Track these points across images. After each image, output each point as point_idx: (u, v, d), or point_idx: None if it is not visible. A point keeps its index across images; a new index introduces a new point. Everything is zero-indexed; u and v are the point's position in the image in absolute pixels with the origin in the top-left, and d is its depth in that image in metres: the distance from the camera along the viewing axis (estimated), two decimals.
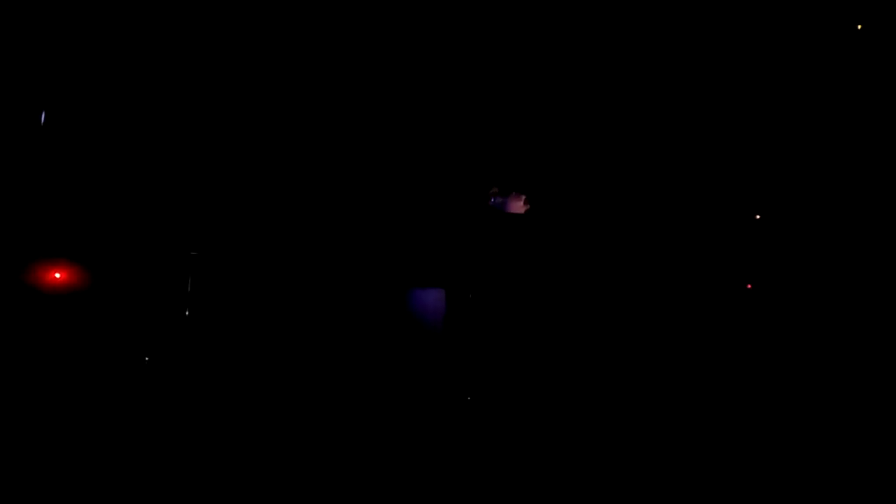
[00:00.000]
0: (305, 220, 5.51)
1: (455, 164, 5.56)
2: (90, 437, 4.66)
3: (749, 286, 5.62)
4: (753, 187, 5.67)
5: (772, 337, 5.46)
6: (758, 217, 5.66)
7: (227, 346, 5.35)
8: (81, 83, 5.45)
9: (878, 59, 5.50)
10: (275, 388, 5.17)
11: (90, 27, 5.43)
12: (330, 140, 5.60)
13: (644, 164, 5.66)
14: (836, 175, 5.57)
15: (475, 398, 5.04)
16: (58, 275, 5.28)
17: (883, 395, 5.03)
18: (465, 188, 5.42)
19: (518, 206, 5.32)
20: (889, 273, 5.38)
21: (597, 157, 5.66)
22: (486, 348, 5.17)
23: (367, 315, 5.40)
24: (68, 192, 5.41)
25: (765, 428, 4.88)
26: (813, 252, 5.55)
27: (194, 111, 5.53)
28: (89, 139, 5.47)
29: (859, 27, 5.55)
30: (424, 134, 5.62)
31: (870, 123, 5.51)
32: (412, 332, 5.30)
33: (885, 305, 5.33)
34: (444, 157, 5.58)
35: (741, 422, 4.95)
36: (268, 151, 5.57)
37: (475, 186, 5.38)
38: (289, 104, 5.58)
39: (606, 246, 5.53)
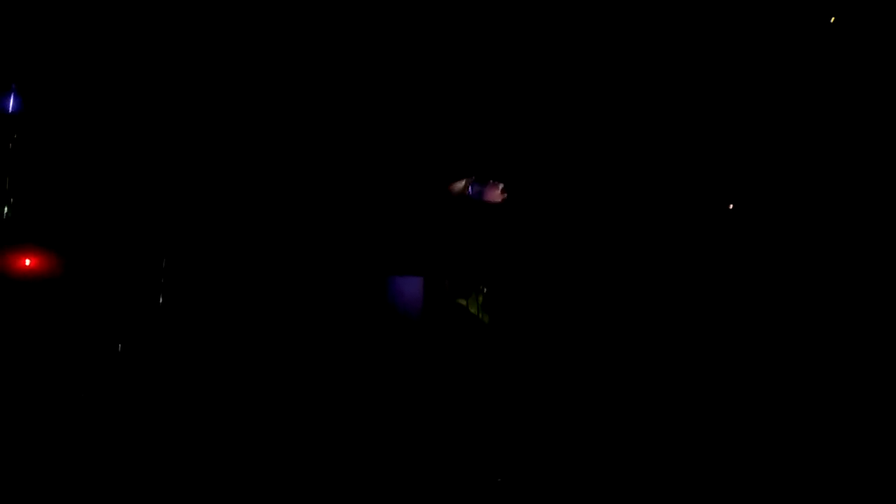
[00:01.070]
0: (282, 207, 5.48)
1: (432, 152, 5.55)
2: (62, 425, 4.61)
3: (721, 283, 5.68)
4: (727, 177, 5.72)
5: (744, 330, 5.52)
6: (731, 206, 5.72)
7: (201, 335, 5.30)
8: (53, 74, 5.38)
9: (854, 56, 5.58)
10: (250, 376, 5.14)
11: (65, 22, 5.36)
12: (306, 129, 5.56)
13: (620, 152, 5.68)
14: (813, 170, 5.64)
15: (455, 387, 5.05)
16: (28, 261, 5.20)
17: (858, 389, 5.11)
18: (443, 177, 5.42)
19: (495, 194, 5.33)
20: (865, 269, 5.46)
21: (573, 146, 5.67)
22: (465, 336, 5.18)
23: (345, 303, 5.38)
24: (39, 178, 5.33)
25: (744, 422, 4.94)
26: (788, 246, 5.62)
27: (168, 100, 5.47)
28: (62, 127, 5.39)
29: (832, 19, 5.61)
30: (401, 123, 5.60)
31: (847, 120, 5.59)
32: (390, 319, 5.30)
33: (863, 300, 5.41)
34: (421, 146, 5.57)
35: (717, 412, 5.01)
36: (243, 141, 5.52)
37: (453, 175, 5.38)
38: (262, 94, 5.54)
39: (585, 234, 5.55)
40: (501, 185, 5.35)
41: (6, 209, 5.26)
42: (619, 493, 4.37)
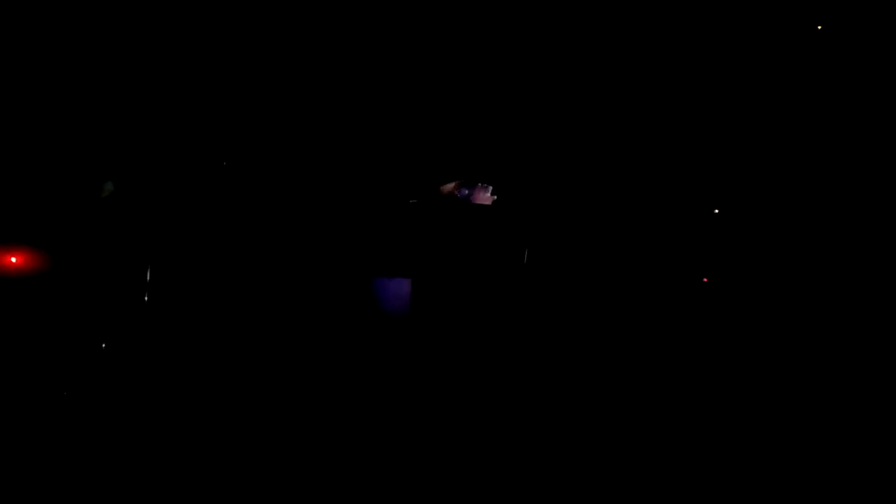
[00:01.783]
0: (269, 207, 5.47)
1: (422, 154, 5.56)
2: (43, 424, 4.58)
3: (706, 279, 5.73)
4: (713, 182, 5.77)
5: (727, 330, 5.57)
6: (716, 211, 5.77)
7: (188, 335, 5.28)
8: (35, 71, 5.35)
9: (838, 57, 5.64)
10: (235, 377, 5.13)
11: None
12: (295, 131, 5.56)
13: (608, 155, 5.72)
14: (795, 170, 5.69)
15: (440, 389, 5.06)
16: (13, 259, 5.16)
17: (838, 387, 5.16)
18: (432, 179, 5.43)
19: (485, 197, 5.34)
20: (844, 267, 5.52)
21: (562, 148, 5.70)
22: (452, 338, 5.19)
23: (332, 303, 5.38)
24: (25, 175, 5.29)
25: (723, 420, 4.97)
26: (770, 246, 5.67)
27: (154, 97, 5.44)
28: (46, 124, 5.36)
29: (819, 27, 5.66)
30: (388, 123, 5.60)
31: (831, 120, 5.65)
32: (377, 321, 5.30)
33: (844, 298, 5.47)
34: (410, 147, 5.58)
35: (698, 410, 5.05)
36: (231, 142, 5.51)
37: (442, 177, 5.39)
38: (249, 96, 5.52)
39: (572, 237, 5.58)
40: (491, 188, 5.36)
41: None
42: (611, 494, 4.38)
